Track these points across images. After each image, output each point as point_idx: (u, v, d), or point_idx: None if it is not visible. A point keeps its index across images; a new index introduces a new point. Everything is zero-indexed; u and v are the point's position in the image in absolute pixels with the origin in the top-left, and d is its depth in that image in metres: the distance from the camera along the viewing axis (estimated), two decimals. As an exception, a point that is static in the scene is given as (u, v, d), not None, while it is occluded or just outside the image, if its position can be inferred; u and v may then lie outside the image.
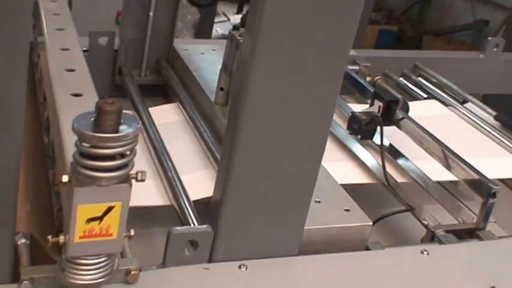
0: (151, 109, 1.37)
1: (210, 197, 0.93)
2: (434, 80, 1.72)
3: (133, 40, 1.53)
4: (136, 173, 0.73)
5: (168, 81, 1.52)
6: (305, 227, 0.94)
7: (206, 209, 0.96)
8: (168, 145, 1.21)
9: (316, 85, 0.84)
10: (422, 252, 1.01)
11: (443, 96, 1.65)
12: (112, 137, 0.69)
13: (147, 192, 1.09)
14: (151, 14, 1.51)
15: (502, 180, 1.31)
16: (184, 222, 1.00)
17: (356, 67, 1.67)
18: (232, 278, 0.89)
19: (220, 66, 1.32)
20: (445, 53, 2.59)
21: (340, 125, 1.39)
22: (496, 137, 1.45)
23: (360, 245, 1.00)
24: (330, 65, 0.83)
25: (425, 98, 1.64)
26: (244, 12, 4.66)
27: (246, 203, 0.88)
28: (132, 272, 0.82)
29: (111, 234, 0.73)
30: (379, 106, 1.34)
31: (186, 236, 0.88)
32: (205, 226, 0.90)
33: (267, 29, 0.78)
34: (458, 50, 4.46)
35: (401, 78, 1.74)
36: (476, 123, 1.51)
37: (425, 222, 1.11)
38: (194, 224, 0.98)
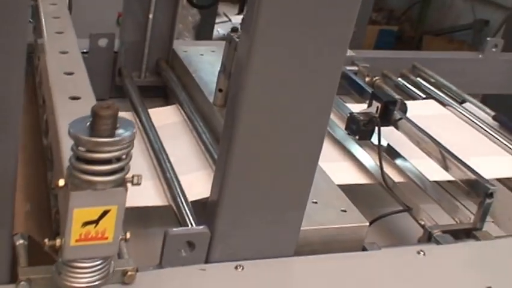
0: (150, 111, 1.37)
1: (208, 198, 0.93)
2: (432, 80, 1.72)
3: (133, 42, 1.54)
4: (132, 177, 0.73)
5: (167, 83, 1.53)
6: (302, 228, 0.94)
7: (204, 209, 0.96)
8: (166, 146, 1.22)
9: (312, 86, 0.84)
10: (419, 253, 1.01)
11: (441, 96, 1.65)
12: (107, 141, 0.69)
13: (146, 193, 1.10)
14: (151, 16, 1.52)
15: (500, 180, 1.32)
16: (182, 222, 1.01)
17: (355, 68, 1.67)
18: (228, 278, 0.89)
19: (219, 68, 1.33)
20: (444, 53, 2.59)
21: (338, 126, 1.39)
22: (494, 137, 1.45)
23: (356, 246, 1.00)
24: (327, 67, 0.83)
25: (424, 98, 1.65)
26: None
27: (242, 204, 0.88)
28: (129, 273, 0.82)
29: (107, 238, 0.73)
30: (377, 107, 1.35)
31: (183, 237, 0.89)
32: (201, 227, 0.90)
33: (264, 30, 0.78)
34: (458, 50, 4.45)
35: (400, 79, 1.75)
36: (475, 123, 1.52)
37: (422, 223, 1.11)
38: (192, 225, 0.99)
